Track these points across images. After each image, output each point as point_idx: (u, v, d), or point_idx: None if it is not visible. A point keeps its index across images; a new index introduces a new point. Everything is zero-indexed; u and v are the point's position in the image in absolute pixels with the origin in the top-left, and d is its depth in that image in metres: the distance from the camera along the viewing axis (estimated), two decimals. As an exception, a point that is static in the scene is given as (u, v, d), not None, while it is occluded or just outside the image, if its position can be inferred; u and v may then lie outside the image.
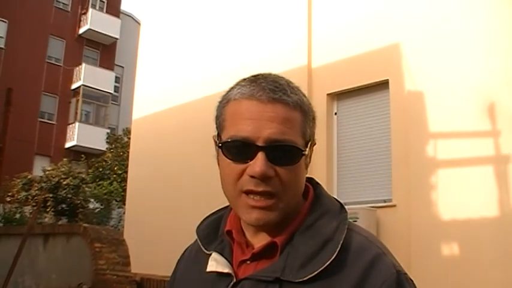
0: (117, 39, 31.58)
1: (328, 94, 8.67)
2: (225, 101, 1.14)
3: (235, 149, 1.08)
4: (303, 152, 1.09)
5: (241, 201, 1.08)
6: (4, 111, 9.52)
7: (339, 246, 1.05)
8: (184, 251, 1.36)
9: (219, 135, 1.14)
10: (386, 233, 7.43)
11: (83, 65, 29.51)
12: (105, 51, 31.55)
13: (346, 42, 8.52)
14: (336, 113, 8.70)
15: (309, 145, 1.13)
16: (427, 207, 7.10)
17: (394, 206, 7.50)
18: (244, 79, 1.14)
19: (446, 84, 7.22)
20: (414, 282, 1.10)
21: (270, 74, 1.14)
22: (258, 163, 1.04)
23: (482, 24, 7.08)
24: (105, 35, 30.87)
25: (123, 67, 31.67)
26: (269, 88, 1.08)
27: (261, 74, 1.14)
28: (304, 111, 1.11)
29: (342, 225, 1.10)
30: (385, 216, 7.53)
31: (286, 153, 1.06)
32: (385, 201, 7.75)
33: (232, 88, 1.14)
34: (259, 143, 1.05)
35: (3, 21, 27.18)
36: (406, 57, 7.74)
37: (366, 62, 8.20)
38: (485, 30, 7.03)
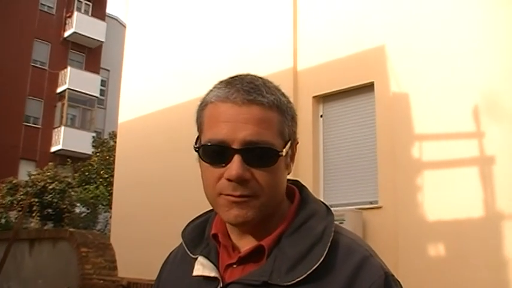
0: (102, 42, 31.43)
1: (314, 97, 8.69)
2: (203, 104, 1.14)
3: (212, 153, 1.07)
4: (280, 153, 1.07)
5: (221, 201, 1.07)
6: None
7: (327, 248, 1.05)
8: (169, 254, 1.35)
9: (198, 138, 1.13)
10: (372, 235, 7.46)
11: (69, 68, 29.32)
12: (90, 54, 31.39)
13: (331, 45, 8.56)
14: (321, 116, 8.72)
15: (288, 144, 1.11)
16: (413, 208, 7.14)
17: (380, 207, 7.53)
18: (221, 81, 1.13)
19: (431, 86, 7.27)
20: (401, 283, 1.11)
21: (247, 75, 1.13)
22: (234, 166, 1.04)
23: (467, 26, 7.13)
24: (90, 38, 30.70)
25: (108, 70, 31.53)
26: (244, 90, 1.07)
27: (238, 75, 1.13)
28: (281, 110, 1.10)
29: (329, 228, 1.09)
30: (372, 218, 7.56)
31: (263, 154, 1.05)
32: (371, 202, 7.78)
33: (209, 91, 1.14)
34: (235, 146, 1.04)
35: (-13, 24, 26.99)
36: (391, 60, 7.78)
37: (351, 65, 8.23)
38: (470, 31, 7.08)
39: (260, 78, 1.14)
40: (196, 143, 1.12)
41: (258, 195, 1.06)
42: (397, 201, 7.31)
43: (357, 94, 8.32)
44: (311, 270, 1.02)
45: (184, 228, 1.27)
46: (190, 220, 1.29)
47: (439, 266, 6.70)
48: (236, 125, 1.05)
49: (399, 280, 1.11)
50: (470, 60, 6.98)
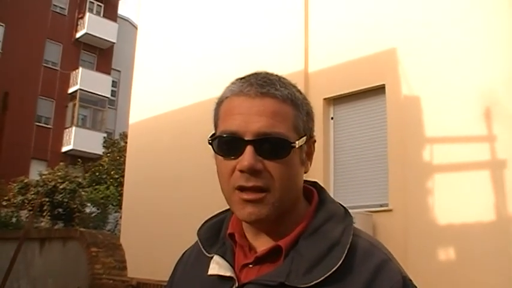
0: (114, 43, 31.58)
1: (324, 99, 8.69)
2: (219, 101, 1.15)
3: (225, 145, 1.08)
4: (293, 145, 1.07)
5: (235, 198, 1.07)
6: (1, 114, 9.49)
7: (346, 251, 1.04)
8: (183, 253, 1.34)
9: (214, 134, 1.13)
10: (382, 237, 7.43)
11: (80, 69, 29.48)
12: (102, 55, 31.55)
13: (342, 47, 8.56)
14: (332, 118, 8.72)
15: (303, 139, 1.11)
16: (423, 211, 7.12)
17: (391, 210, 7.52)
18: (237, 78, 1.15)
19: (442, 89, 7.25)
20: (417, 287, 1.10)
21: (262, 72, 1.14)
22: (246, 157, 1.04)
23: (479, 30, 7.12)
24: (102, 39, 30.86)
25: (120, 71, 31.66)
26: (257, 83, 1.08)
27: (254, 72, 1.14)
28: (295, 104, 1.10)
29: (348, 230, 1.09)
30: (382, 221, 7.54)
31: (275, 146, 1.05)
32: (381, 205, 7.76)
33: (226, 88, 1.15)
34: (248, 137, 1.04)
35: (0, 25, 27.17)
36: (402, 63, 7.77)
37: (363, 67, 8.23)
38: (482, 36, 7.06)
39: (276, 75, 1.14)
40: (211, 137, 1.13)
41: (271, 188, 1.05)
42: (408, 204, 7.29)
43: (368, 97, 8.31)
44: (329, 273, 1.01)
45: (200, 227, 1.26)
46: (206, 219, 1.28)
47: (449, 269, 6.68)
48: (249, 117, 1.05)
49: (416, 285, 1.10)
50: (482, 64, 6.96)
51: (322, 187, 1.21)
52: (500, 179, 6.56)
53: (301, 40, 9.20)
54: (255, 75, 1.12)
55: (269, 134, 1.04)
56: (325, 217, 1.12)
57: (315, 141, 1.19)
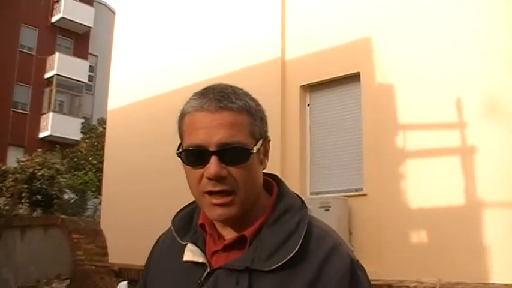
0: (90, 27, 31.26)
1: (301, 86, 8.84)
2: (182, 115, 1.29)
3: (192, 156, 1.23)
4: (251, 151, 1.22)
5: (205, 201, 1.24)
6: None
7: (301, 238, 1.21)
8: (158, 238, 1.51)
9: (180, 145, 1.29)
10: (357, 221, 7.66)
11: (56, 54, 29.15)
12: (78, 40, 31.21)
13: (319, 35, 8.69)
14: (308, 105, 8.87)
15: (260, 142, 1.26)
16: (396, 196, 7.34)
17: (365, 195, 7.73)
18: (196, 93, 1.29)
19: (415, 77, 7.43)
20: (364, 268, 1.27)
21: (218, 85, 1.28)
22: (212, 166, 1.19)
23: (451, 18, 7.28)
24: (78, 23, 30.52)
25: (97, 56, 31.38)
26: (215, 98, 1.22)
27: (210, 86, 1.29)
28: (250, 113, 1.24)
29: (303, 220, 1.26)
30: (357, 205, 7.75)
31: (236, 153, 1.20)
32: (356, 190, 7.97)
33: (186, 103, 1.29)
34: (211, 148, 1.20)
35: (-27, 10, 26.76)
36: (376, 51, 7.94)
37: (338, 55, 8.38)
38: (455, 24, 7.23)
39: (230, 86, 1.29)
40: (178, 149, 1.28)
41: (235, 190, 1.21)
42: (381, 188, 7.50)
43: (343, 84, 8.47)
44: (288, 258, 1.19)
45: (174, 217, 1.42)
46: (180, 209, 1.44)
47: (421, 251, 6.91)
48: (211, 130, 1.20)
49: (363, 266, 1.28)
50: (453, 51, 7.14)
51: (281, 180, 1.38)
52: (470, 164, 6.78)
53: (277, 28, 9.30)
54: (212, 89, 1.26)
55: (230, 143, 1.20)
56: (283, 209, 1.28)
57: (270, 140, 1.34)
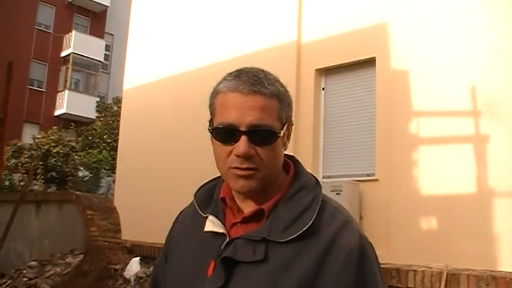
0: (107, 6, 31.35)
1: (316, 69, 8.85)
2: (214, 93, 1.37)
3: (223, 134, 1.32)
4: (279, 134, 1.32)
5: (230, 174, 1.32)
6: (6, 83, 9.66)
7: (315, 214, 1.30)
8: (180, 213, 1.61)
9: (211, 121, 1.38)
10: (368, 205, 7.71)
11: (73, 32, 29.33)
12: (95, 18, 31.35)
13: (335, 19, 8.68)
14: (323, 88, 8.89)
15: (285, 127, 1.35)
16: (407, 182, 7.37)
17: (377, 180, 7.77)
18: (230, 73, 1.37)
19: (430, 64, 7.42)
20: (372, 244, 1.35)
21: (252, 69, 1.37)
22: (242, 145, 1.28)
23: (469, 5, 7.25)
24: (95, 2, 30.67)
25: (113, 35, 31.49)
26: (249, 82, 1.31)
27: (244, 68, 1.37)
28: (280, 99, 1.33)
29: (317, 198, 1.35)
30: (368, 190, 7.80)
31: (265, 135, 1.29)
32: (368, 175, 8.01)
33: (220, 82, 1.37)
34: (242, 128, 1.28)
35: (-8, -13, 26.90)
36: (393, 36, 7.92)
37: (354, 39, 8.37)
38: (473, 12, 7.19)
39: (263, 71, 1.37)
40: (209, 125, 1.37)
41: (260, 168, 1.31)
42: (393, 174, 7.53)
43: (358, 69, 8.47)
44: (302, 231, 1.27)
45: (197, 191, 1.53)
46: (201, 184, 1.55)
47: (430, 237, 6.95)
48: (243, 111, 1.29)
49: (372, 243, 1.35)
50: (471, 40, 7.11)
51: (297, 160, 1.47)
52: (482, 153, 6.78)
53: (294, 11, 9.30)
54: (246, 73, 1.34)
55: (260, 125, 1.29)
56: (299, 186, 1.38)
57: (293, 124, 1.44)
